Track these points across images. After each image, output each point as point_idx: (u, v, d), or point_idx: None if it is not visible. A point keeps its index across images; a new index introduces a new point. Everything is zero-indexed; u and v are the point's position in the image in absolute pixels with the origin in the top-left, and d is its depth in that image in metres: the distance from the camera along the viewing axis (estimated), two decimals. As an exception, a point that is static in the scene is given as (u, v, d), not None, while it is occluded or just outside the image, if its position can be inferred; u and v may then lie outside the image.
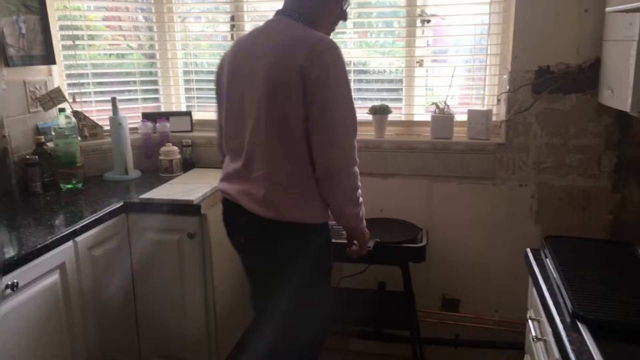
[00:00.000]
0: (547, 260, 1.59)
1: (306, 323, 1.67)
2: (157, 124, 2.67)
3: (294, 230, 1.59)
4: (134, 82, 2.79)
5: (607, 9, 1.79)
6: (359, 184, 1.63)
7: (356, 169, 1.60)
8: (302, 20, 1.62)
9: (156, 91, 2.83)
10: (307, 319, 1.67)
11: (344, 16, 1.73)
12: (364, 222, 1.72)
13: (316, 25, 1.63)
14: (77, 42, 2.60)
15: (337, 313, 2.26)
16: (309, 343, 1.73)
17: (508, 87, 2.26)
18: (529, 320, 1.54)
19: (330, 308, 1.79)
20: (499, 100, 2.38)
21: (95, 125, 2.59)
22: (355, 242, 1.78)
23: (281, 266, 1.64)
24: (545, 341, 1.39)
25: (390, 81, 2.59)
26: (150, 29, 2.78)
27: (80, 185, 2.34)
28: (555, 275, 1.48)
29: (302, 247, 1.62)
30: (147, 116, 2.71)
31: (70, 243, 1.81)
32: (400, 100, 2.55)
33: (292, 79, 1.49)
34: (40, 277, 1.68)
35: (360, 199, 1.66)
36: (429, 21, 2.43)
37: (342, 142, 1.54)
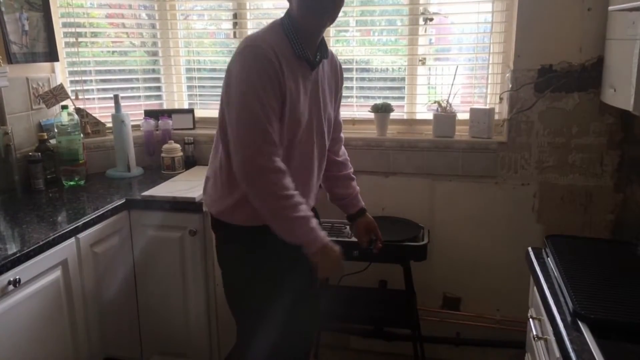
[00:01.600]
0: (549, 259, 1.59)
1: (244, 330, 1.69)
2: (160, 122, 2.67)
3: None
4: (137, 79, 2.79)
5: (610, 8, 1.78)
6: (281, 193, 1.46)
7: (265, 177, 1.46)
8: (284, 16, 1.59)
9: (159, 88, 2.84)
10: (244, 324, 1.69)
11: None
12: (314, 237, 1.49)
13: (292, 14, 1.56)
14: (80, 39, 2.60)
15: (338, 311, 2.26)
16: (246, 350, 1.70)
17: (510, 86, 2.26)
18: (530, 319, 1.54)
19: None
20: (501, 98, 2.37)
21: (97, 122, 2.60)
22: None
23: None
24: (546, 340, 1.39)
25: (393, 79, 2.59)
26: (153, 26, 2.78)
27: (82, 182, 2.35)
28: (556, 275, 1.48)
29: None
30: (149, 113, 2.71)
31: (72, 240, 1.82)
32: (402, 98, 2.55)
33: (226, 78, 1.53)
34: (42, 274, 1.69)
35: (292, 213, 1.47)
36: (431, 19, 2.42)
37: (237, 150, 1.47)
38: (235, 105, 1.47)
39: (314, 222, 1.50)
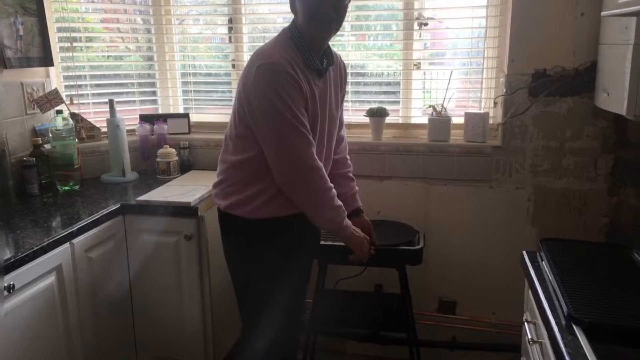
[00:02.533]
0: (543, 262, 1.60)
1: (246, 326, 1.78)
2: (155, 126, 2.67)
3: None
4: (132, 84, 2.79)
5: (603, 13, 1.79)
6: (326, 185, 1.65)
7: (310, 175, 1.62)
8: (291, 26, 1.65)
9: (154, 93, 2.84)
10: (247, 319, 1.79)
11: (307, 9, 1.60)
12: (346, 224, 1.73)
13: (298, 23, 1.64)
14: (74, 44, 2.60)
15: (334, 315, 2.26)
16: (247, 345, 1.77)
17: (505, 90, 2.27)
18: (525, 323, 1.54)
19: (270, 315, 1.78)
20: (495, 103, 2.39)
21: (92, 127, 2.59)
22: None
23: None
24: (541, 343, 1.39)
25: (388, 84, 2.60)
26: (148, 30, 2.78)
27: (77, 187, 2.34)
28: (551, 278, 1.48)
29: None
30: (144, 118, 2.71)
31: (67, 245, 1.81)
32: (397, 102, 2.55)
33: (240, 93, 1.62)
34: (37, 279, 1.68)
35: (334, 203, 1.68)
36: (426, 24, 2.44)
37: (277, 159, 1.60)
38: (266, 119, 1.56)
39: (344, 211, 1.70)
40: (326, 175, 1.66)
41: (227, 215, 1.72)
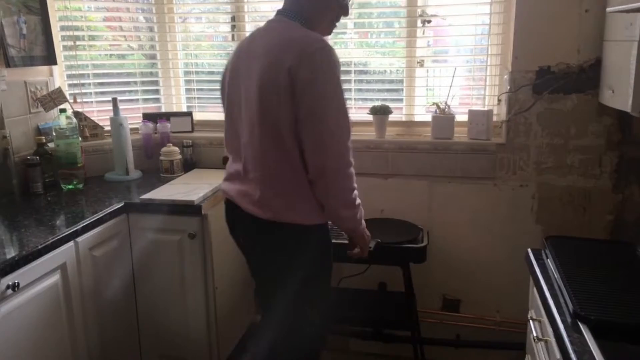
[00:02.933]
0: (548, 260, 1.59)
1: (305, 323, 1.68)
2: (158, 125, 2.67)
3: (290, 231, 1.59)
4: (135, 82, 2.79)
5: (608, 9, 1.78)
6: (355, 185, 1.60)
7: (351, 170, 1.56)
8: (300, 20, 1.62)
9: (157, 91, 2.84)
10: (306, 319, 1.68)
11: (344, 11, 1.70)
12: (363, 223, 1.71)
13: (315, 23, 1.63)
14: (77, 43, 2.60)
15: (337, 313, 2.26)
16: (309, 343, 1.73)
17: (509, 87, 2.26)
18: (530, 321, 1.54)
19: (330, 309, 1.78)
20: (499, 100, 2.38)
21: (96, 126, 2.60)
22: (356, 245, 1.77)
23: (279, 266, 1.64)
24: (546, 341, 1.39)
25: (391, 81, 2.59)
26: (151, 29, 2.78)
27: (81, 186, 2.34)
28: (556, 276, 1.48)
29: (298, 248, 1.61)
30: (147, 116, 2.71)
31: (71, 243, 1.81)
32: (400, 100, 2.55)
33: (281, 80, 1.48)
34: (41, 278, 1.68)
35: (358, 201, 1.63)
36: (429, 21, 2.43)
37: (333, 143, 1.51)
38: (333, 104, 1.52)
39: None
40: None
41: (294, 225, 1.63)
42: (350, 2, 1.71)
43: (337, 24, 1.74)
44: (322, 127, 1.50)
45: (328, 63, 1.50)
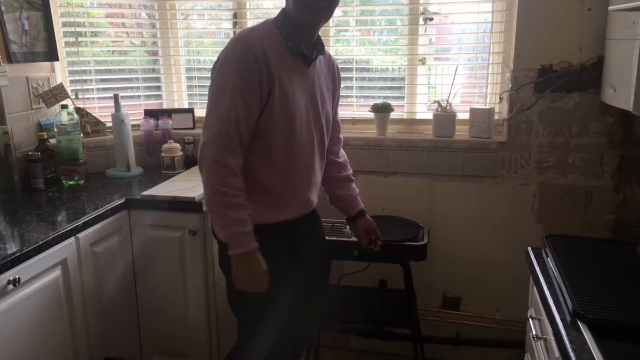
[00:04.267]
0: (548, 259, 1.59)
1: (245, 329, 1.70)
2: (160, 121, 2.67)
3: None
4: (137, 79, 2.79)
5: (610, 8, 1.78)
6: (218, 187, 1.47)
7: (213, 166, 1.47)
8: (279, 13, 1.61)
9: (158, 88, 2.84)
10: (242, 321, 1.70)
11: None
12: (232, 240, 1.50)
13: (287, 10, 1.58)
14: (79, 39, 2.60)
15: (338, 311, 2.26)
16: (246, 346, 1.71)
17: (510, 86, 2.26)
18: (530, 319, 1.54)
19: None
20: (501, 98, 2.37)
21: (97, 122, 2.60)
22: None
23: None
24: (545, 340, 1.39)
25: (393, 79, 2.59)
26: (153, 25, 2.78)
27: (82, 182, 2.35)
28: (556, 274, 1.48)
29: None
30: (149, 113, 2.71)
31: (72, 239, 1.82)
32: (402, 98, 2.54)
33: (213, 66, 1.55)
34: (42, 273, 1.69)
35: (218, 208, 1.48)
36: (431, 19, 2.42)
37: (203, 133, 1.50)
38: (211, 91, 1.52)
39: (247, 227, 1.49)
40: (233, 180, 1.48)
41: None
42: None
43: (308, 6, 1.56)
44: (206, 113, 1.53)
45: (224, 56, 1.50)
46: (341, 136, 1.92)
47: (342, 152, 1.93)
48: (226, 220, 1.49)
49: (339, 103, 1.85)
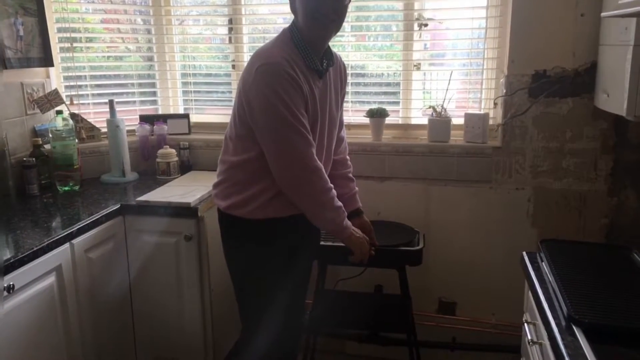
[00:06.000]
0: (543, 263, 1.60)
1: (248, 323, 1.79)
2: (155, 127, 2.67)
3: None
4: (132, 84, 2.79)
5: (603, 14, 1.79)
6: (326, 186, 1.65)
7: (312, 175, 1.63)
8: (292, 27, 1.65)
9: (154, 93, 2.84)
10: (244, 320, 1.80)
11: (306, 9, 1.59)
12: (340, 222, 1.71)
13: (298, 24, 1.64)
14: (75, 45, 2.60)
15: (333, 316, 2.26)
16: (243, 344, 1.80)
17: (505, 91, 2.27)
18: (525, 324, 1.54)
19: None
20: (495, 103, 2.39)
21: (92, 128, 2.59)
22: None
23: None
24: (541, 344, 1.39)
25: (388, 84, 2.60)
26: (149, 31, 2.78)
27: (77, 188, 2.34)
28: (551, 279, 1.48)
29: None
30: (144, 118, 2.71)
31: (67, 245, 1.81)
32: (397, 103, 2.55)
33: (240, 95, 1.63)
34: (36, 280, 1.68)
35: (329, 205, 1.68)
36: (426, 25, 2.44)
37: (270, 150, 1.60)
38: (267, 120, 1.56)
39: (344, 212, 1.70)
40: (326, 176, 1.66)
41: (226, 215, 1.72)
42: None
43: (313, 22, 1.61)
44: (265, 145, 1.61)
45: (260, 83, 1.55)
46: (344, 134, 1.94)
47: (342, 149, 1.95)
48: (339, 211, 1.67)
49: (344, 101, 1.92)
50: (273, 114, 1.54)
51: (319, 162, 1.63)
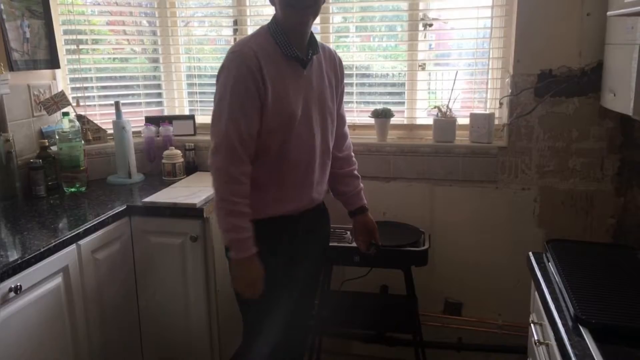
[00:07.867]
0: (550, 264, 1.59)
1: (250, 326, 1.75)
2: (161, 128, 2.68)
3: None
4: (138, 85, 2.80)
5: (609, 13, 1.79)
6: (223, 190, 1.57)
7: (217, 173, 1.58)
8: (271, 20, 1.65)
9: (159, 95, 2.85)
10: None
11: None
12: (228, 235, 1.58)
13: (276, 15, 1.62)
14: (81, 46, 2.61)
15: (339, 316, 2.26)
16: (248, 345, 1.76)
17: (510, 91, 2.26)
18: (532, 324, 1.54)
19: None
20: (501, 103, 2.38)
21: (98, 129, 2.61)
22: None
23: None
24: (547, 345, 1.38)
25: (393, 85, 2.60)
26: (154, 33, 2.79)
27: (83, 189, 2.35)
28: (557, 279, 1.48)
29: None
30: (150, 120, 2.72)
31: (73, 246, 1.82)
32: (402, 103, 2.55)
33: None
34: (43, 281, 1.69)
35: (222, 204, 1.58)
36: (431, 25, 2.43)
37: (211, 140, 1.60)
38: (214, 101, 1.59)
39: (245, 234, 1.56)
40: (243, 191, 1.57)
41: None
42: None
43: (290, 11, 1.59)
44: (211, 130, 1.62)
45: (223, 75, 1.56)
46: (347, 130, 1.92)
47: (346, 146, 1.92)
48: (227, 226, 1.57)
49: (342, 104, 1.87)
50: (222, 96, 1.57)
51: (234, 168, 1.55)
